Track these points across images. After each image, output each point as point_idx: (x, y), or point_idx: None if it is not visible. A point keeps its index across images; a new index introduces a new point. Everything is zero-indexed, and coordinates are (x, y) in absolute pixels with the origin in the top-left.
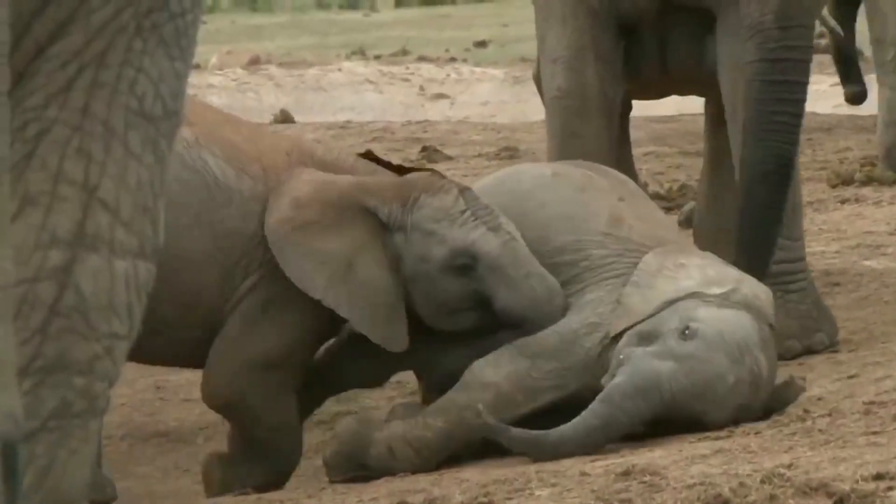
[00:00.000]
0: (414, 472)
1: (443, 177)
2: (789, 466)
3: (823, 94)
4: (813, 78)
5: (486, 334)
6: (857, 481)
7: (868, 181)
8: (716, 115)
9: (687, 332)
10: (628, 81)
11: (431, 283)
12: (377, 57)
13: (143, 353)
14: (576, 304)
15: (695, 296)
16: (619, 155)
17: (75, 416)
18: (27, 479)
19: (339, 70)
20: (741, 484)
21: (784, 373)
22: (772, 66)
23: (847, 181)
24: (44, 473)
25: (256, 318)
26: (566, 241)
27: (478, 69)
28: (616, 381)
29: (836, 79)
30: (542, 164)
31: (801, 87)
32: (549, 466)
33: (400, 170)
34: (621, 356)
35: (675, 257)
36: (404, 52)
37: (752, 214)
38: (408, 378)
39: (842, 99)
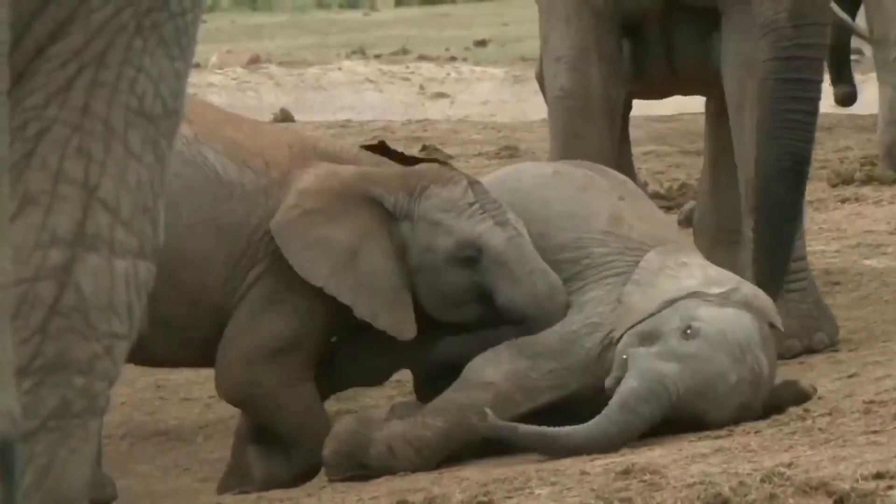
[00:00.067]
0: (414, 471)
1: (452, 168)
2: (789, 465)
3: (823, 93)
4: None
5: (489, 328)
6: (857, 480)
7: (868, 180)
8: (717, 114)
9: (689, 331)
10: (633, 81)
11: (436, 274)
12: (377, 56)
13: (151, 354)
14: (576, 303)
15: (695, 295)
16: (619, 154)
17: (75, 416)
18: (27, 478)
19: (339, 69)
20: (741, 483)
21: (784, 372)
22: (786, 65)
23: (847, 180)
24: (44, 473)
25: (263, 307)
26: (567, 238)
27: (478, 68)
28: (630, 385)
29: None
30: (543, 163)
31: (815, 84)
32: (549, 465)
33: (410, 160)
34: (623, 356)
35: (677, 256)
36: (404, 52)
37: (768, 212)
38: (408, 377)
39: None
